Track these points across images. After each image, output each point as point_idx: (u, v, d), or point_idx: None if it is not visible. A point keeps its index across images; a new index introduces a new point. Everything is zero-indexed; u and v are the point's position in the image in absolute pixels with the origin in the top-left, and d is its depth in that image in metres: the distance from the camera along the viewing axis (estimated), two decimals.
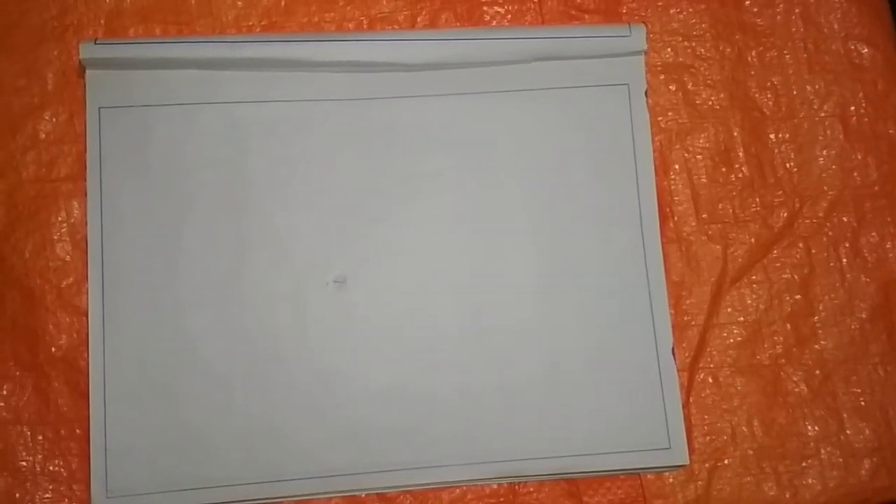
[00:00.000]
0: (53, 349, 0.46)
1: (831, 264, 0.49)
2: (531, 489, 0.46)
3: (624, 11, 0.51)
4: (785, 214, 0.50)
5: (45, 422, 0.46)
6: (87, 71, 0.48)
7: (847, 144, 0.50)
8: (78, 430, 0.46)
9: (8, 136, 0.48)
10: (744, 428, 0.47)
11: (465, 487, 0.46)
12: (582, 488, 0.46)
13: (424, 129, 0.49)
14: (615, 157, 0.49)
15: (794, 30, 0.51)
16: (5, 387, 0.46)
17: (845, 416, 0.48)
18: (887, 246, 0.49)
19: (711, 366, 0.48)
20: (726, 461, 0.47)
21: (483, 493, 0.46)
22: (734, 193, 0.50)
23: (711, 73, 0.51)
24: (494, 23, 0.51)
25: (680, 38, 0.51)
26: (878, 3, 0.52)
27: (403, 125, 0.49)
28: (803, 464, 0.47)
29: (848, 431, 0.48)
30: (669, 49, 0.51)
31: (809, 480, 0.47)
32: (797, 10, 0.51)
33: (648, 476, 0.47)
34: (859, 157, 0.50)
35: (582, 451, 0.46)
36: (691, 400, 0.47)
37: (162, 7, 0.49)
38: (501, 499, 0.46)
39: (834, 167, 0.50)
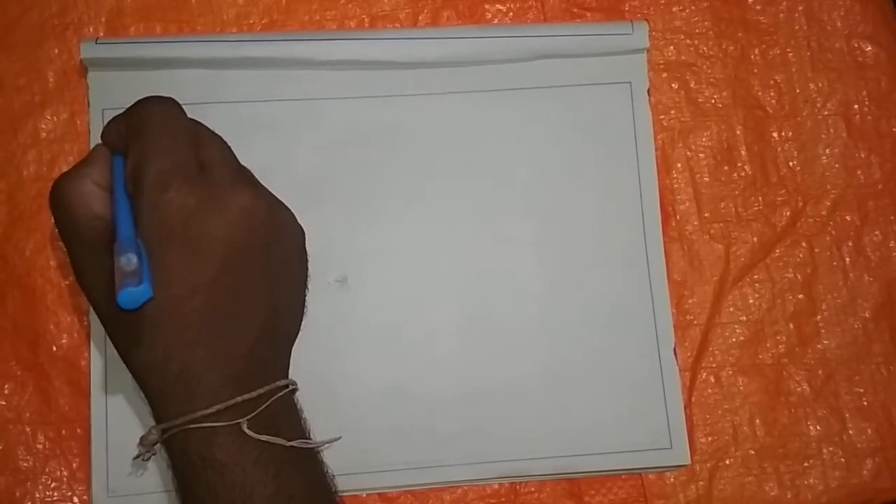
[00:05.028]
0: (54, 348, 0.46)
1: (834, 263, 0.49)
2: (532, 489, 0.46)
3: (626, 9, 0.51)
4: (788, 213, 0.49)
5: (46, 421, 0.46)
6: (90, 72, 0.48)
7: (850, 143, 0.50)
8: (79, 430, 0.46)
9: (9, 134, 0.48)
10: (745, 428, 0.47)
11: (466, 487, 0.46)
12: (583, 488, 0.46)
13: (426, 127, 0.48)
14: (617, 156, 0.49)
15: (797, 28, 0.51)
16: (6, 386, 0.46)
17: (848, 415, 0.48)
18: (891, 244, 0.49)
19: (713, 365, 0.48)
20: (728, 461, 0.47)
21: (484, 492, 0.46)
22: (737, 192, 0.49)
23: (714, 72, 0.50)
24: (496, 21, 0.50)
25: (682, 36, 0.51)
26: (881, 1, 0.51)
27: (405, 123, 0.48)
28: (805, 464, 0.47)
29: (850, 431, 0.47)
30: (672, 47, 0.51)
31: (811, 480, 0.47)
32: (800, 8, 0.51)
33: (649, 476, 0.47)
34: (862, 155, 0.50)
35: (583, 451, 0.46)
36: (693, 400, 0.47)
37: (162, 5, 0.49)
38: (502, 499, 0.46)
39: (837, 166, 0.50)
